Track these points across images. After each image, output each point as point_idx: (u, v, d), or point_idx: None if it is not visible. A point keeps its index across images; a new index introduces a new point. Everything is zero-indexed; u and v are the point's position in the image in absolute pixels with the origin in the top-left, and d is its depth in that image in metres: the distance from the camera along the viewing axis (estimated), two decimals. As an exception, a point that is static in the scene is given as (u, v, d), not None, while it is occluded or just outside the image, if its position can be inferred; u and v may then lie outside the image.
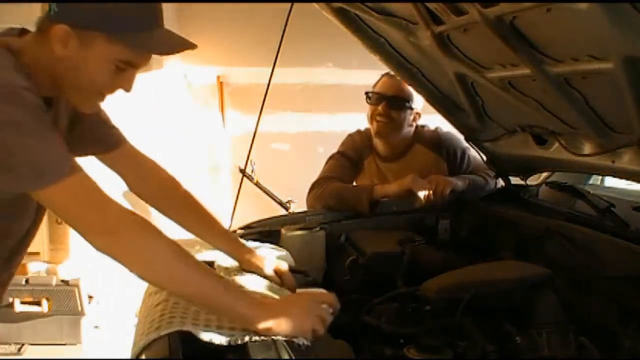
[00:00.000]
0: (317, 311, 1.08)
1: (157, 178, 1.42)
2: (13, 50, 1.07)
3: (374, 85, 2.23)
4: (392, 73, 2.16)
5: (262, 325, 1.02)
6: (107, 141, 1.35)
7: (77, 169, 1.03)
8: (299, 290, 1.34)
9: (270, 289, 1.33)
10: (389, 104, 2.14)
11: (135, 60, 1.11)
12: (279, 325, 1.02)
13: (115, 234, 1.01)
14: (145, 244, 1.03)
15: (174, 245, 1.04)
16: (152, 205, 1.41)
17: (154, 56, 1.16)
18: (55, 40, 1.06)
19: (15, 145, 0.97)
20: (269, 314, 1.03)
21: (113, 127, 1.37)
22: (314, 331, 1.05)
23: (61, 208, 1.04)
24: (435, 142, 2.25)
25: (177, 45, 1.13)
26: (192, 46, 1.12)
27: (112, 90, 1.14)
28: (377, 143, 2.24)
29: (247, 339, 1.00)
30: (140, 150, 1.41)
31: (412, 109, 2.17)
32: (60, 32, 1.06)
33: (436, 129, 2.30)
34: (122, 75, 1.11)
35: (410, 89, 2.12)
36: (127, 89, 1.14)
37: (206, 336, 1.00)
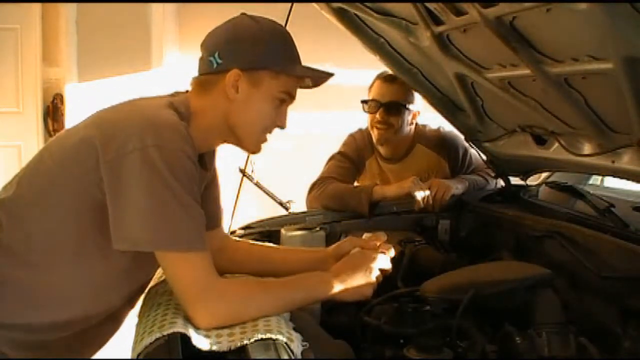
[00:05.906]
0: (376, 274, 1.24)
1: (231, 254, 1.44)
2: (182, 116, 1.15)
3: (369, 89, 2.21)
4: (385, 75, 2.16)
5: (334, 295, 1.18)
6: (211, 218, 1.36)
7: (205, 248, 1.10)
8: (355, 251, 1.36)
9: None
10: (386, 111, 2.13)
11: (293, 91, 1.26)
12: (347, 294, 1.20)
13: (213, 303, 1.08)
14: (242, 305, 1.11)
15: (264, 293, 1.15)
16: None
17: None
18: (229, 86, 1.19)
19: (166, 204, 1.05)
20: (338, 285, 1.19)
21: (220, 208, 1.44)
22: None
23: (174, 273, 1.10)
24: (438, 142, 2.25)
25: (322, 73, 1.29)
26: (331, 75, 1.31)
27: (272, 127, 1.28)
28: (380, 148, 2.24)
29: (246, 341, 1.00)
30: (224, 230, 1.49)
31: (410, 110, 2.17)
32: (233, 78, 1.18)
33: (438, 128, 2.30)
34: (279, 110, 1.26)
35: (406, 89, 2.11)
36: (284, 124, 1.29)
37: (206, 345, 1.00)
